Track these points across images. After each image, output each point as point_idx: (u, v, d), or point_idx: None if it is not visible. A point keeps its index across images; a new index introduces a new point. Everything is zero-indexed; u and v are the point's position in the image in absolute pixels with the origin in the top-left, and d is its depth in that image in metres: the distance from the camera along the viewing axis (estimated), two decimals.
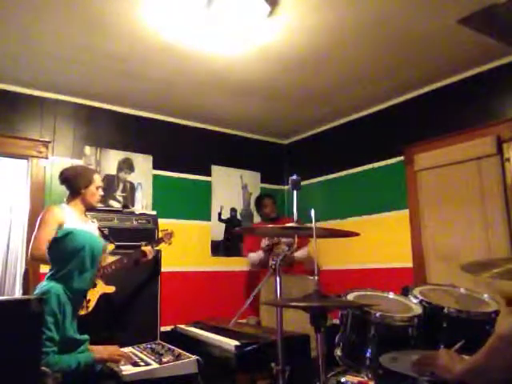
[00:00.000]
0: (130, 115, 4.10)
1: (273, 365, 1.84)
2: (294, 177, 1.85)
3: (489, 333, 1.79)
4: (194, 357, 2.25)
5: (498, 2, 2.47)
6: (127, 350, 2.42)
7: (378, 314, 1.81)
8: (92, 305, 2.64)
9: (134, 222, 3.47)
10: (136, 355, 2.35)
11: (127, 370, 2.09)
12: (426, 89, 3.65)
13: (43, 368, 1.66)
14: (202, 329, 3.26)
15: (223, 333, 2.90)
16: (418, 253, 3.57)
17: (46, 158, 3.62)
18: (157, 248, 3.29)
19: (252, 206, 4.72)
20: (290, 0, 2.48)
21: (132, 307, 3.20)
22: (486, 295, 2.06)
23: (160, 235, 3.33)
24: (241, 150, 4.77)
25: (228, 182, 4.61)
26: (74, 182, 2.79)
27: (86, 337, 2.14)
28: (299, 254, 3.89)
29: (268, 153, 4.98)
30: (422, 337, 1.81)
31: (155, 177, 4.15)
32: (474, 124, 3.29)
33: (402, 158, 3.80)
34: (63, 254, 2.07)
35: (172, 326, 3.65)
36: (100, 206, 3.00)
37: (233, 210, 4.59)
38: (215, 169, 4.54)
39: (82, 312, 2.42)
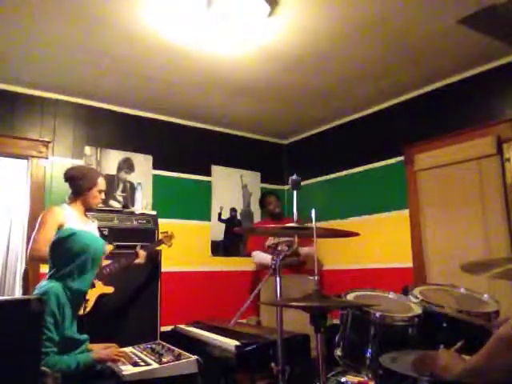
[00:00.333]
0: (130, 115, 4.10)
1: (273, 365, 1.84)
2: (294, 177, 1.85)
3: (489, 333, 1.79)
4: (194, 357, 2.25)
5: (498, 2, 2.47)
6: (127, 350, 2.42)
7: (377, 314, 1.81)
8: (90, 305, 2.64)
9: (134, 222, 3.47)
10: (136, 355, 2.35)
11: (127, 369, 2.09)
12: (426, 89, 3.65)
13: (43, 368, 1.66)
14: (201, 329, 3.26)
15: (223, 333, 2.90)
16: (418, 253, 3.57)
17: (46, 157, 3.62)
18: (157, 248, 3.29)
19: (252, 206, 4.72)
20: (289, 0, 2.48)
21: (132, 307, 3.20)
22: (485, 295, 2.06)
23: (160, 237, 3.34)
24: (241, 149, 4.77)
25: (228, 181, 4.61)
26: (78, 183, 2.79)
27: (85, 337, 2.14)
28: (306, 249, 3.87)
29: (268, 153, 4.98)
30: (421, 337, 1.81)
31: (155, 177, 4.15)
32: (474, 124, 3.29)
33: (402, 158, 3.80)
34: (65, 254, 2.07)
35: (172, 326, 3.65)
36: (100, 205, 3.00)
37: (233, 210, 4.59)
38: (215, 169, 4.55)
39: (81, 312, 2.41)
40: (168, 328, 3.59)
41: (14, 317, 1.38)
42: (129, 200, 3.96)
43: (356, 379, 1.99)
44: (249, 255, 4.22)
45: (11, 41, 2.89)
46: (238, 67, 3.28)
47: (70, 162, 3.66)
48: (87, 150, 3.83)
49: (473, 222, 3.25)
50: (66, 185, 2.86)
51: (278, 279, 1.88)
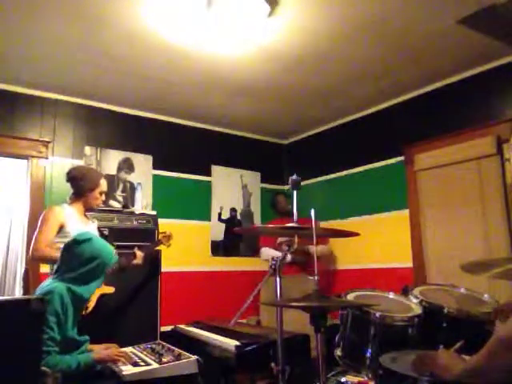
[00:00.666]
0: (130, 115, 4.10)
1: (273, 365, 1.84)
2: (294, 177, 1.85)
3: (489, 333, 1.79)
4: (194, 357, 2.25)
5: (498, 2, 2.47)
6: (127, 350, 2.42)
7: (377, 314, 1.81)
8: (92, 305, 2.64)
9: (134, 222, 3.47)
10: (136, 355, 2.35)
11: (127, 369, 2.09)
12: (426, 89, 3.65)
13: (43, 368, 1.66)
14: (202, 329, 3.26)
15: (223, 333, 2.89)
16: (418, 253, 3.57)
17: (46, 157, 3.62)
18: (156, 249, 3.29)
19: (252, 206, 4.72)
20: (289, 0, 2.48)
21: (132, 307, 3.20)
22: (486, 295, 2.06)
23: (158, 237, 3.34)
24: (241, 149, 4.77)
25: (228, 181, 4.61)
26: (80, 183, 2.79)
27: (86, 337, 2.14)
28: (319, 248, 3.89)
29: (268, 153, 4.98)
30: (421, 337, 1.81)
31: (155, 177, 4.15)
32: (474, 124, 3.29)
33: (402, 158, 3.80)
34: (76, 258, 2.08)
35: (172, 326, 3.64)
36: (100, 206, 3.00)
37: (233, 210, 4.59)
38: (215, 169, 4.55)
39: (82, 312, 2.41)
40: (168, 328, 3.58)
41: (14, 317, 1.38)
42: (129, 200, 3.96)
43: (356, 379, 1.99)
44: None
45: (11, 41, 2.89)
46: (238, 67, 3.28)
47: (70, 162, 3.66)
48: (87, 150, 3.83)
49: (473, 222, 3.25)
50: (67, 185, 2.86)
51: (278, 279, 1.87)
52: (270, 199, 4.45)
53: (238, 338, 2.68)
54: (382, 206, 3.91)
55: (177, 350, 2.40)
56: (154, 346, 2.57)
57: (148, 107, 4.09)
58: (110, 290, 2.79)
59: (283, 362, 1.82)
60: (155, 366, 2.15)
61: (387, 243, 3.80)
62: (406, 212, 3.72)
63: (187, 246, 4.10)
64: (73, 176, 2.81)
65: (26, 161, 3.61)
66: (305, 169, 4.65)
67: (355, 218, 4.13)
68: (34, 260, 2.77)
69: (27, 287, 3.30)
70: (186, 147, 4.39)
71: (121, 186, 3.96)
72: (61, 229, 2.66)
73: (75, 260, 2.08)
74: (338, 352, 1.91)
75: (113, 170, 3.94)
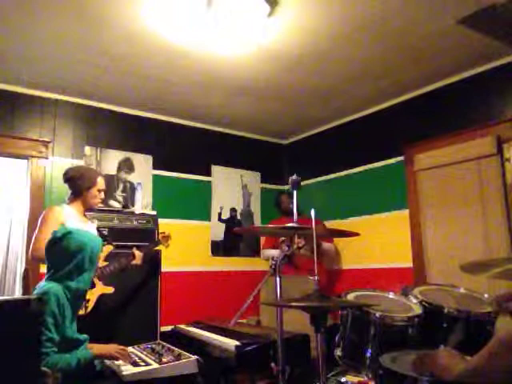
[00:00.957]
0: (130, 115, 4.10)
1: (273, 365, 1.84)
2: (294, 177, 1.85)
3: (489, 333, 1.79)
4: (194, 357, 2.25)
5: (498, 2, 2.47)
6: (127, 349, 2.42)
7: (377, 314, 1.81)
8: (91, 305, 2.64)
9: (134, 222, 3.47)
10: (136, 355, 2.35)
11: (127, 369, 2.09)
12: (426, 89, 3.65)
13: (43, 368, 1.66)
14: (201, 329, 3.26)
15: (223, 333, 2.89)
16: (418, 253, 3.57)
17: (46, 157, 3.62)
18: (154, 249, 3.29)
19: (252, 206, 4.72)
20: (289, 0, 2.48)
21: (132, 307, 3.20)
22: (486, 295, 2.06)
23: (157, 238, 3.34)
24: (241, 150, 4.77)
25: (228, 181, 4.61)
26: (76, 183, 2.79)
27: (85, 337, 2.14)
28: (326, 245, 3.97)
29: (268, 153, 4.98)
30: (421, 337, 1.81)
31: (155, 177, 4.15)
32: (474, 124, 3.29)
33: (401, 157, 3.80)
34: (62, 254, 2.06)
35: (172, 326, 3.64)
36: (100, 205, 3.00)
37: (233, 210, 4.59)
38: (215, 169, 4.55)
39: (81, 312, 2.42)
40: (168, 328, 3.58)
41: (13, 317, 1.38)
42: (129, 200, 3.96)
43: (356, 379, 1.99)
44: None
45: (11, 41, 2.89)
46: (238, 67, 3.28)
47: (70, 162, 3.66)
48: (87, 149, 3.83)
49: (473, 222, 3.25)
50: (66, 185, 2.86)
51: (277, 279, 1.87)
52: (273, 198, 4.47)
53: (238, 338, 2.68)
54: (382, 205, 3.91)
55: (177, 350, 2.40)
56: (154, 346, 2.58)
57: (148, 107, 4.09)
58: (110, 289, 2.80)
59: (283, 362, 1.82)
60: (155, 366, 2.15)
61: (387, 243, 3.80)
62: (405, 212, 3.72)
63: (187, 246, 4.10)
64: (69, 176, 2.82)
65: (26, 161, 3.61)
66: (305, 169, 4.65)
67: (355, 218, 4.13)
68: (33, 260, 2.77)
69: (27, 287, 3.30)
70: (186, 147, 4.39)
71: (121, 185, 3.96)
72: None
73: (61, 257, 2.06)
74: (338, 352, 1.91)
75: (113, 170, 3.94)
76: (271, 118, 4.39)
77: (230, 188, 4.62)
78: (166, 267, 3.51)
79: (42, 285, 2.07)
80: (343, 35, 2.86)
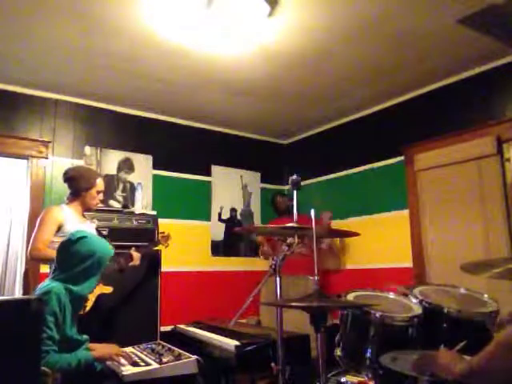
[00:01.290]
0: (130, 115, 4.10)
1: (273, 365, 1.84)
2: (294, 177, 1.85)
3: (489, 333, 1.80)
4: (194, 357, 2.25)
5: (498, 2, 2.47)
6: (127, 350, 2.42)
7: (377, 314, 1.81)
8: (90, 305, 2.64)
9: (134, 222, 3.47)
10: (136, 355, 2.35)
11: (127, 369, 2.09)
12: (426, 89, 3.65)
13: (43, 368, 1.66)
14: (201, 329, 3.26)
15: (223, 333, 2.89)
16: (418, 253, 3.57)
17: (46, 157, 3.62)
18: (154, 249, 3.29)
19: (252, 206, 4.72)
20: (290, 0, 2.48)
21: (132, 307, 3.20)
22: (485, 295, 2.06)
23: (157, 238, 3.34)
24: (241, 149, 4.77)
25: (228, 181, 4.61)
26: (76, 183, 2.80)
27: (86, 337, 2.14)
28: (328, 241, 4.02)
29: (268, 153, 4.98)
30: (421, 337, 1.81)
31: (155, 177, 4.15)
32: (474, 124, 3.29)
33: (402, 157, 3.80)
34: (73, 257, 2.06)
35: (172, 326, 3.65)
36: (100, 206, 3.00)
37: (233, 209, 4.59)
38: (215, 169, 4.54)
39: (80, 312, 2.41)
40: (168, 328, 3.59)
41: (14, 317, 1.38)
42: (129, 200, 3.96)
43: (356, 379, 1.99)
44: None
45: (11, 41, 2.89)
46: (238, 67, 3.28)
47: (70, 162, 3.66)
48: (87, 149, 3.83)
49: (473, 222, 3.25)
50: (66, 185, 2.86)
51: (277, 279, 1.87)
52: (270, 200, 4.49)
53: (238, 338, 2.68)
54: (382, 205, 3.91)
55: (177, 350, 2.40)
56: (154, 346, 2.57)
57: (148, 107, 4.09)
58: (108, 289, 2.79)
59: (283, 362, 1.82)
60: (155, 365, 2.15)
61: (387, 243, 3.80)
62: (405, 212, 3.72)
63: (187, 246, 4.10)
64: (69, 176, 2.82)
65: (25, 161, 3.61)
66: (305, 169, 4.65)
67: (355, 218, 4.13)
68: (32, 259, 2.77)
69: (27, 287, 3.30)
70: (186, 147, 4.39)
71: (121, 186, 3.96)
72: (59, 229, 2.66)
73: (71, 259, 2.07)
74: (338, 352, 1.91)
75: (113, 170, 3.94)
76: (271, 118, 4.39)
77: (230, 188, 4.62)
78: (165, 267, 3.51)
79: (44, 284, 2.07)
80: (343, 35, 2.86)
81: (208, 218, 4.41)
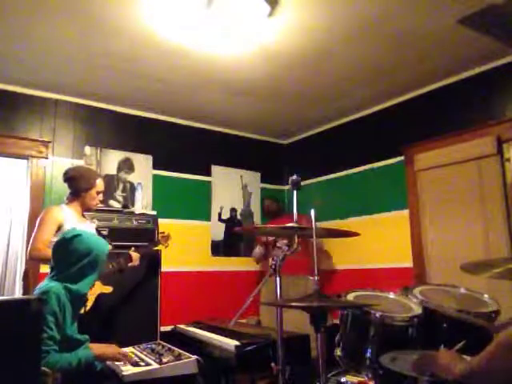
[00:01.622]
0: (130, 115, 4.10)
1: (273, 365, 1.84)
2: (294, 177, 1.85)
3: (489, 333, 1.79)
4: (194, 357, 2.25)
5: (498, 2, 2.47)
6: (127, 349, 2.42)
7: (377, 314, 1.81)
8: (90, 304, 2.64)
9: (134, 222, 3.47)
10: (136, 355, 2.35)
11: (127, 369, 2.09)
12: (426, 89, 3.65)
13: (43, 368, 1.66)
14: (201, 329, 3.26)
15: (223, 333, 2.90)
16: (418, 253, 3.57)
17: (46, 157, 3.62)
18: (153, 249, 3.29)
19: (252, 206, 4.72)
20: (290, 0, 2.48)
21: (132, 307, 3.20)
22: (485, 295, 2.06)
23: (157, 238, 3.34)
24: (241, 149, 4.77)
25: (228, 181, 4.61)
26: (76, 183, 2.80)
27: (86, 337, 2.14)
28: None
29: (268, 153, 4.98)
30: (421, 337, 1.81)
31: (155, 177, 4.15)
32: (474, 124, 3.29)
33: (402, 157, 3.80)
34: (69, 255, 2.06)
35: (172, 326, 3.65)
36: (100, 206, 3.00)
37: (233, 209, 4.59)
38: (215, 169, 4.54)
39: (80, 311, 2.42)
40: (168, 328, 3.59)
41: (14, 317, 1.38)
42: (129, 200, 3.96)
43: (356, 379, 1.99)
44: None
45: (11, 41, 2.89)
46: (238, 67, 3.28)
47: (70, 162, 3.66)
48: (87, 149, 3.83)
49: (473, 222, 3.25)
50: (66, 185, 2.86)
51: (277, 279, 1.88)
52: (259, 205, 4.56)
53: (238, 338, 2.68)
54: (382, 205, 3.91)
55: (177, 350, 2.40)
56: (153, 346, 2.57)
57: (148, 107, 4.09)
58: (108, 289, 2.79)
59: (283, 362, 1.82)
60: (155, 365, 2.15)
61: (387, 243, 3.80)
62: (405, 212, 3.72)
63: (187, 246, 4.10)
64: (70, 176, 2.83)
65: (25, 161, 3.61)
66: (305, 169, 4.65)
67: (355, 218, 4.13)
68: (31, 259, 2.77)
69: (27, 287, 3.30)
70: (186, 147, 4.39)
71: (121, 185, 3.96)
72: (59, 229, 2.66)
73: (68, 258, 2.06)
74: (338, 352, 1.91)
75: (113, 170, 3.94)
76: (271, 117, 4.39)
77: (230, 188, 4.62)
78: (165, 267, 3.51)
79: (43, 284, 2.07)
80: (343, 35, 2.86)
81: (208, 218, 4.41)
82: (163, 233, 3.31)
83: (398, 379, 1.41)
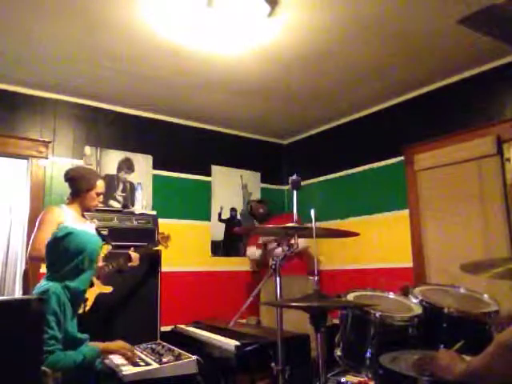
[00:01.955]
0: (130, 115, 4.10)
1: (273, 365, 1.84)
2: (294, 177, 1.85)
3: (489, 333, 1.80)
4: (194, 357, 2.25)
5: (498, 2, 2.47)
6: None
7: (377, 314, 1.81)
8: (89, 304, 2.64)
9: (134, 222, 3.47)
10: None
11: (127, 369, 2.09)
12: (426, 89, 3.65)
13: (43, 368, 1.66)
14: (201, 329, 3.26)
15: (223, 333, 2.90)
16: (418, 253, 3.57)
17: (46, 158, 3.62)
18: (153, 249, 3.29)
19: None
20: (289, 0, 2.48)
21: (132, 307, 3.20)
22: (485, 295, 2.06)
23: (157, 238, 3.34)
24: (241, 149, 4.77)
25: (228, 182, 4.61)
26: (76, 183, 2.81)
27: (86, 336, 2.14)
28: (302, 241, 3.88)
29: (268, 153, 4.98)
30: (421, 337, 1.81)
31: (155, 177, 4.15)
32: (474, 124, 3.29)
33: (402, 157, 3.80)
34: (63, 254, 2.05)
35: (172, 326, 3.65)
36: (100, 206, 3.00)
37: (233, 209, 4.59)
38: (215, 169, 4.54)
39: (80, 311, 2.42)
40: (168, 328, 3.59)
41: (14, 317, 1.38)
42: (129, 200, 3.96)
43: (356, 379, 1.99)
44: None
45: (11, 41, 2.89)
46: (238, 67, 3.28)
47: (70, 162, 3.66)
48: (87, 149, 3.83)
49: (473, 222, 3.24)
50: (66, 185, 2.87)
51: (277, 279, 1.88)
52: (267, 201, 4.50)
53: (238, 338, 2.69)
54: (382, 206, 3.91)
55: (177, 350, 2.40)
56: (153, 346, 2.58)
57: (148, 107, 4.09)
58: (108, 289, 2.79)
59: (283, 361, 1.82)
60: (155, 365, 2.15)
61: (387, 243, 3.80)
62: (405, 212, 3.72)
63: (187, 246, 4.10)
64: (70, 177, 2.83)
65: (25, 161, 3.61)
66: (305, 169, 4.65)
67: (355, 218, 4.13)
68: (31, 259, 2.77)
69: (27, 287, 3.30)
70: (186, 147, 4.39)
71: (121, 185, 3.96)
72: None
73: (61, 257, 2.05)
74: (338, 352, 1.91)
75: (113, 170, 3.94)
76: (271, 117, 4.39)
77: (230, 188, 4.62)
78: (165, 267, 3.51)
79: (41, 284, 2.07)
80: (343, 35, 2.86)
81: (208, 218, 4.41)
82: (163, 233, 3.31)
83: (397, 379, 1.41)
